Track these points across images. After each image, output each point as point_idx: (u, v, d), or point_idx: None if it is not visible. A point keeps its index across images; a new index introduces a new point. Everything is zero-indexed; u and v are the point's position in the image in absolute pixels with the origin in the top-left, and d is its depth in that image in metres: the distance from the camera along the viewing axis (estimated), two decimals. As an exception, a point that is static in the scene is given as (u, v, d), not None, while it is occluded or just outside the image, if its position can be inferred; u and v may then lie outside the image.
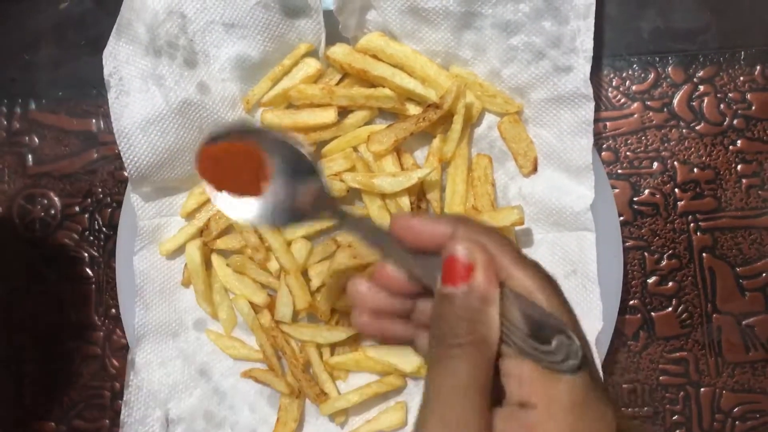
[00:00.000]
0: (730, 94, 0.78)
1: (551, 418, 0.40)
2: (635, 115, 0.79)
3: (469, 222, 0.46)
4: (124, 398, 0.78)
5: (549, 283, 0.44)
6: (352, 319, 0.53)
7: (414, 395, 0.78)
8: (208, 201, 0.81)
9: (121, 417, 0.77)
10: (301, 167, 0.57)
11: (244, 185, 0.59)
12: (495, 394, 0.43)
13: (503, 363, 0.43)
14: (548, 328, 0.41)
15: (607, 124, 0.79)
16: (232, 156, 0.60)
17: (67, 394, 0.86)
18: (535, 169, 0.76)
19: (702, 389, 0.77)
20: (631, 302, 0.78)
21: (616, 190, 0.78)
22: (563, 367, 0.40)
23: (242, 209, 0.59)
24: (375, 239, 0.50)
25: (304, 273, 0.78)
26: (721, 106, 0.78)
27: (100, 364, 0.86)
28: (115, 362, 0.85)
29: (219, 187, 0.60)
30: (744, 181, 0.78)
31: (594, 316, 0.72)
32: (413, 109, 0.77)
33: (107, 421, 0.85)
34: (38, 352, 0.87)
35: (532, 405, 0.40)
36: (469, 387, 0.41)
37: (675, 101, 0.79)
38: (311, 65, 0.78)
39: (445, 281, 0.44)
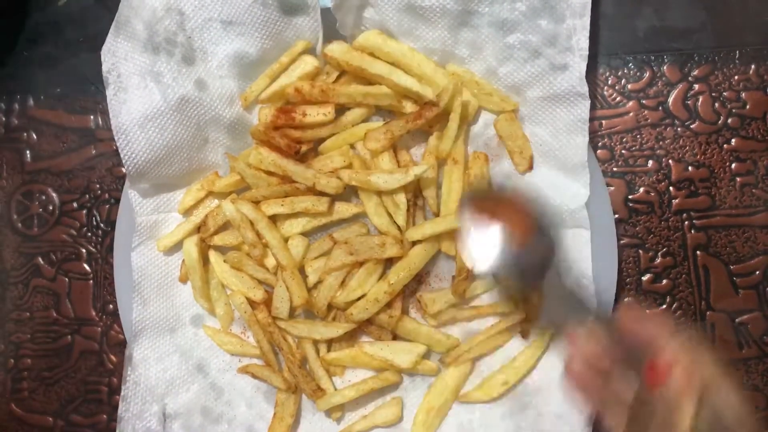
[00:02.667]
0: (724, 93, 0.79)
1: None
2: (630, 114, 0.79)
3: (678, 330, 0.51)
4: (122, 393, 0.78)
5: (741, 393, 0.48)
6: (565, 367, 0.61)
7: (410, 391, 0.79)
8: (205, 198, 0.81)
9: (119, 412, 0.78)
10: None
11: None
12: None
13: None
14: None
15: (603, 122, 0.80)
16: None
17: (65, 389, 0.87)
18: (530, 167, 0.77)
19: (695, 386, 0.78)
20: (626, 300, 0.79)
21: (611, 188, 0.79)
22: None
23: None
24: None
25: (301, 269, 0.79)
26: (716, 104, 0.79)
27: (98, 360, 0.86)
28: (113, 357, 0.86)
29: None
30: (738, 179, 0.78)
31: (588, 313, 0.72)
32: (410, 107, 0.77)
33: (104, 416, 0.85)
34: (36, 347, 0.88)
35: None
36: None
37: (670, 100, 0.79)
38: (309, 63, 0.78)
39: (645, 380, 0.49)
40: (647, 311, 0.53)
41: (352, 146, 0.79)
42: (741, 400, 0.47)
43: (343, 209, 0.78)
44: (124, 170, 0.78)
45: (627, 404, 0.54)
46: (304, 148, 0.79)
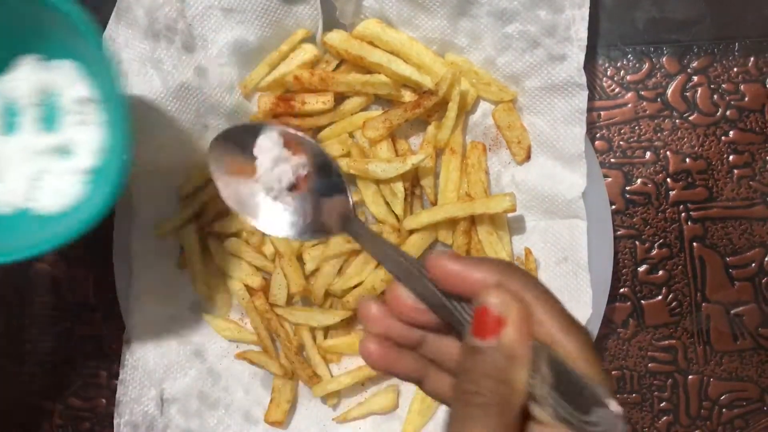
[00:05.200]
0: (723, 85, 0.79)
1: None
2: (629, 105, 0.80)
3: (517, 272, 0.42)
4: (120, 377, 0.79)
5: (593, 351, 0.41)
6: (359, 347, 0.49)
7: (405, 379, 0.80)
8: (205, 185, 0.82)
9: (117, 395, 0.78)
10: (330, 181, 0.57)
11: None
12: None
13: (534, 426, 0.40)
14: (588, 397, 0.39)
15: (601, 113, 0.80)
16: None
17: (65, 374, 0.87)
18: (528, 157, 0.77)
19: (690, 377, 0.78)
20: (622, 290, 0.79)
21: (609, 179, 0.79)
22: None
23: (269, 217, 0.59)
24: (400, 270, 0.47)
25: (299, 257, 0.79)
26: (715, 96, 0.79)
27: (97, 344, 0.87)
28: (112, 342, 0.87)
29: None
30: (735, 171, 0.78)
31: (583, 303, 0.73)
32: (409, 96, 0.78)
33: (104, 400, 0.86)
34: (36, 332, 0.88)
35: None
36: None
37: (669, 91, 0.79)
38: (308, 51, 0.78)
39: (474, 332, 0.41)
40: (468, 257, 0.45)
41: (350, 135, 0.79)
42: (585, 351, 0.40)
43: (341, 197, 0.79)
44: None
45: (449, 365, 0.47)
46: (302, 136, 0.79)
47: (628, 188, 0.79)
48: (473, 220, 0.76)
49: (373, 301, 0.48)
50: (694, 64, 0.79)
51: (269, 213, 0.59)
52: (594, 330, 0.74)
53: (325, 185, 0.58)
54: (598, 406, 0.38)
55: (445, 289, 0.44)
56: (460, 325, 0.43)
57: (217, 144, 0.61)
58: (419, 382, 0.50)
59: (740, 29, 0.79)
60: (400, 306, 0.46)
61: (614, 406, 0.38)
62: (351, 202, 0.56)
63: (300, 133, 0.59)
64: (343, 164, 0.76)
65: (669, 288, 0.79)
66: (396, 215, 0.77)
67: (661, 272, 0.79)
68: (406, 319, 0.47)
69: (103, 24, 0.76)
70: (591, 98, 0.76)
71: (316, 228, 0.57)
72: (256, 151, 0.59)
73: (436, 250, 0.51)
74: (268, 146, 0.59)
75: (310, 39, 0.79)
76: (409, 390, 0.79)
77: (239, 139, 0.60)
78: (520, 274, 0.42)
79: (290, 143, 0.59)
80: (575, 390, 0.39)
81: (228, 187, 0.60)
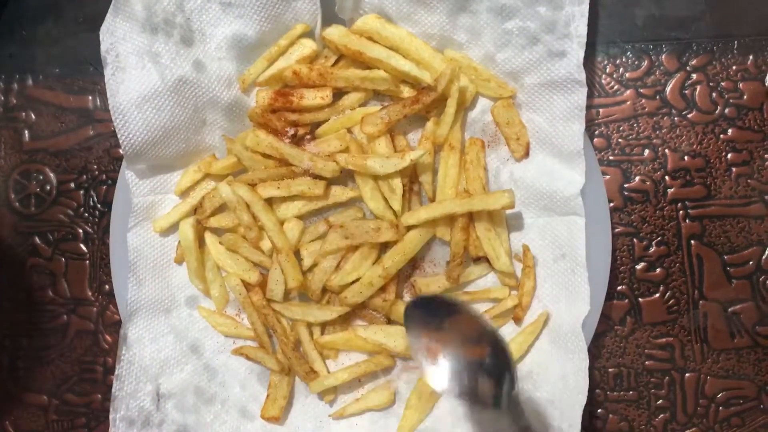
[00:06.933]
0: (722, 83, 0.79)
1: None
2: (628, 102, 0.80)
3: None
4: (116, 372, 0.78)
5: None
6: None
7: (402, 375, 0.79)
8: (202, 179, 0.82)
9: (113, 391, 0.78)
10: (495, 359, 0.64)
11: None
12: None
13: None
14: None
15: (600, 110, 0.80)
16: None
17: (60, 368, 0.87)
18: (527, 154, 0.77)
19: (687, 374, 0.78)
20: (619, 288, 0.79)
21: (607, 177, 0.79)
22: None
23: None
24: None
25: (297, 252, 0.79)
26: (713, 94, 0.79)
27: (93, 339, 0.87)
28: (108, 337, 0.86)
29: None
30: (734, 169, 0.78)
31: (581, 300, 0.73)
32: (408, 92, 0.77)
33: (99, 395, 0.86)
34: (32, 327, 0.88)
35: None
36: None
37: (668, 89, 0.79)
38: (307, 46, 0.78)
39: None
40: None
41: (349, 130, 0.79)
42: None
43: (338, 193, 0.79)
44: (121, 151, 0.78)
45: None
46: (301, 131, 0.79)
47: (626, 185, 0.79)
48: (472, 217, 0.76)
49: None
50: (693, 62, 0.79)
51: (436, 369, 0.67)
52: (591, 327, 0.74)
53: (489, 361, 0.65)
54: None
55: None
56: None
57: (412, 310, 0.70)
58: None
59: (739, 27, 0.79)
60: None
61: None
62: (512, 383, 0.62)
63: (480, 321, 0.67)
64: (341, 160, 0.75)
65: (666, 286, 0.79)
66: (394, 211, 0.77)
67: (658, 270, 0.79)
68: None
69: (101, 17, 0.76)
70: (590, 95, 0.76)
71: (470, 394, 0.64)
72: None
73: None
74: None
75: (309, 34, 0.78)
76: (406, 387, 0.79)
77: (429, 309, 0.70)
78: None
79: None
80: None
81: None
